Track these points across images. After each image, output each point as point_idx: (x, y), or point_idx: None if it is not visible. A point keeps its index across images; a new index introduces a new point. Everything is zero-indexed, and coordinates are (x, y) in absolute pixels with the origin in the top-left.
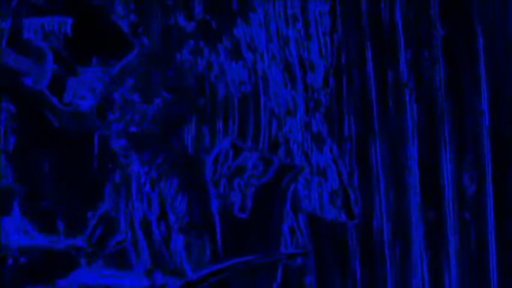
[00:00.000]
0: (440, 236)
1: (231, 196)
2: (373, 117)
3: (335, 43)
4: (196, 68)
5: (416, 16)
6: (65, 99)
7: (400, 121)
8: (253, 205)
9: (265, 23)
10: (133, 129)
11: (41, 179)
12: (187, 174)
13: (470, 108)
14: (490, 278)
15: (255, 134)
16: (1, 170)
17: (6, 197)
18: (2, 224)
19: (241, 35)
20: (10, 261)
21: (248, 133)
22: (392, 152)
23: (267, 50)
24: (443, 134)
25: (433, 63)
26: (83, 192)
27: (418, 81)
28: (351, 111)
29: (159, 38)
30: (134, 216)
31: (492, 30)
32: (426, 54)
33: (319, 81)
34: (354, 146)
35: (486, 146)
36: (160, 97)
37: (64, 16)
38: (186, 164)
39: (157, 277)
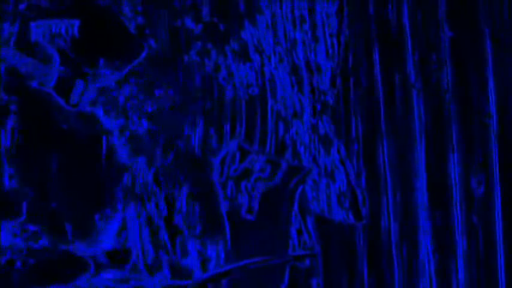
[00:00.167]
0: (448, 238)
1: (239, 198)
2: (381, 119)
3: (342, 44)
4: (204, 70)
5: (424, 18)
6: (72, 101)
7: (407, 123)
8: (261, 207)
9: (273, 24)
10: (141, 129)
11: (48, 181)
12: (197, 177)
13: (478, 111)
14: (498, 280)
15: (261, 136)
16: (8, 172)
17: (15, 199)
18: (10, 226)
19: (248, 37)
20: (19, 263)
21: (255, 135)
22: (399, 154)
23: (274, 52)
24: (451, 136)
25: (440, 65)
26: (90, 194)
27: (425, 83)
28: (358, 113)
29: (166, 39)
30: (141, 217)
31: (500, 32)
32: (434, 56)
33: (326, 82)
34: (361, 147)
35: (494, 148)
36: (168, 97)
37: (71, 18)
38: (195, 167)
39: (164, 278)
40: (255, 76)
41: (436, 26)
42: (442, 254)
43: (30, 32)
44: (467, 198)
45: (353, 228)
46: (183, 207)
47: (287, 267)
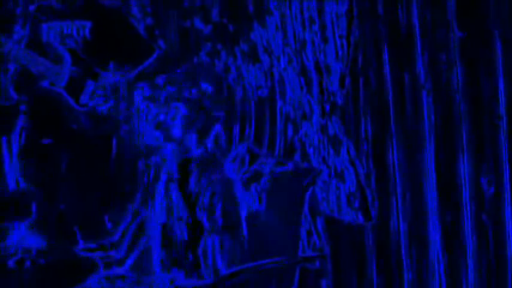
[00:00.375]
0: (457, 239)
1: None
2: (390, 119)
3: (352, 45)
4: (214, 71)
5: (434, 18)
6: (82, 101)
7: (417, 123)
8: (271, 208)
9: (282, 25)
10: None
11: (57, 182)
12: (219, 175)
13: (488, 111)
14: (508, 280)
15: (270, 138)
16: (18, 173)
17: (24, 200)
18: (20, 227)
19: (257, 38)
20: (28, 263)
21: (264, 137)
22: (409, 154)
23: (283, 52)
24: (461, 136)
25: (450, 65)
26: (100, 195)
27: (435, 84)
28: (367, 113)
29: (175, 40)
30: (158, 217)
31: (510, 32)
32: (443, 56)
33: (335, 83)
34: (370, 148)
35: (504, 149)
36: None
37: (82, 19)
38: (217, 165)
39: (178, 278)
40: (264, 77)
41: (445, 26)
42: (451, 254)
43: (42, 33)
44: (477, 198)
45: (362, 229)
46: (205, 204)
47: (297, 268)
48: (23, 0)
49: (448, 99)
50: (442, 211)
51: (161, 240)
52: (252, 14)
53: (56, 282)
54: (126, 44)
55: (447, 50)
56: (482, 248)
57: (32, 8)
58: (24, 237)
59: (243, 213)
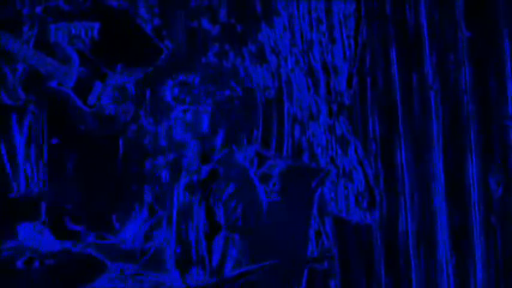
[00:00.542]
0: (466, 239)
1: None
2: (398, 120)
3: (359, 45)
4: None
5: (442, 18)
6: (90, 102)
7: (425, 123)
8: (280, 209)
9: (289, 26)
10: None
11: (66, 182)
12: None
13: (497, 111)
14: None
15: (278, 139)
16: (27, 173)
17: (34, 201)
18: (29, 227)
19: (265, 38)
20: (37, 264)
21: (271, 139)
22: (417, 154)
23: (290, 53)
24: (469, 137)
25: (458, 65)
26: (107, 195)
27: (443, 84)
28: (375, 113)
29: (183, 40)
30: (174, 216)
31: None
32: (451, 56)
33: (342, 83)
34: (378, 148)
35: None
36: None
37: (90, 21)
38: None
39: (190, 277)
40: (271, 78)
41: (454, 26)
42: (460, 255)
43: (50, 34)
44: (485, 199)
45: (370, 229)
46: (228, 206)
47: (305, 269)
48: (31, 1)
49: (456, 100)
50: (450, 211)
51: (176, 238)
52: (259, 14)
53: (65, 282)
54: (134, 44)
55: (455, 50)
56: (490, 249)
57: (39, 9)
58: (33, 237)
59: (263, 213)
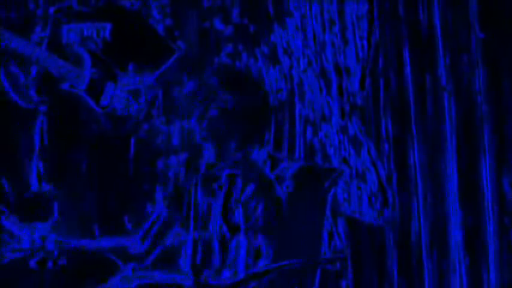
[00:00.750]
0: (479, 241)
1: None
2: (411, 121)
3: (372, 46)
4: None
5: (455, 19)
6: (102, 103)
7: (438, 124)
8: (293, 210)
9: (302, 27)
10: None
11: (78, 182)
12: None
13: (510, 112)
14: None
15: (290, 141)
16: (39, 174)
17: (46, 200)
18: (41, 227)
19: (277, 39)
20: (50, 263)
21: (284, 141)
22: (430, 155)
23: (303, 54)
24: (483, 138)
25: (472, 67)
26: (119, 195)
27: (456, 85)
28: (388, 114)
29: (195, 41)
30: (191, 217)
31: None
32: (465, 57)
33: (355, 84)
34: (391, 149)
35: None
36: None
37: (102, 21)
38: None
39: (205, 277)
40: (284, 80)
41: (467, 27)
42: (473, 256)
43: (62, 35)
44: (499, 200)
45: (383, 230)
46: (249, 207)
47: (318, 269)
48: (44, 2)
49: (469, 101)
50: (463, 212)
51: (193, 239)
52: (272, 14)
53: (78, 282)
54: (146, 45)
55: (469, 51)
56: (504, 249)
57: (52, 10)
58: (46, 237)
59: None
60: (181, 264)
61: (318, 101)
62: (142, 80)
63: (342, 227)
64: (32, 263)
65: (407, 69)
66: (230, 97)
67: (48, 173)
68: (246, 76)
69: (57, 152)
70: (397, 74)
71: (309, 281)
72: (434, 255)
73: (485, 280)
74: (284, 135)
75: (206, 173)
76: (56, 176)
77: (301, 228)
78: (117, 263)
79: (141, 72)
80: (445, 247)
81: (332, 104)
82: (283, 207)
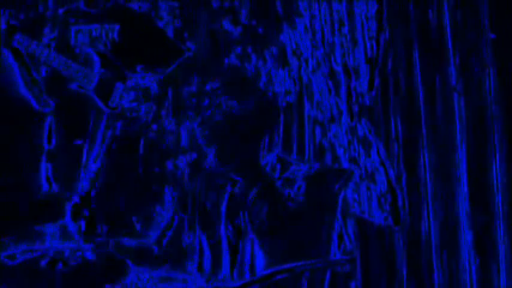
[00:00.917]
0: (489, 242)
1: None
2: (421, 121)
3: (381, 46)
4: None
5: (465, 19)
6: (112, 103)
7: (448, 125)
8: (304, 211)
9: (311, 27)
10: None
11: (89, 183)
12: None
13: None
14: None
15: (299, 143)
16: (50, 175)
17: (58, 202)
18: (53, 229)
19: (286, 39)
20: (60, 265)
21: (293, 143)
22: (440, 156)
23: (312, 55)
24: (493, 139)
25: (482, 67)
26: (128, 195)
27: (466, 86)
28: (397, 115)
29: (205, 42)
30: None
31: None
32: (475, 58)
33: (364, 85)
34: (401, 150)
35: None
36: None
37: (111, 22)
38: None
39: (216, 278)
40: (292, 82)
41: (477, 28)
42: (483, 257)
43: (71, 36)
44: (509, 201)
45: (393, 231)
46: (251, 206)
47: (328, 271)
48: (53, 3)
49: (480, 101)
50: (473, 213)
51: (199, 241)
52: (281, 15)
53: (89, 283)
54: (155, 46)
55: (479, 52)
56: None
57: (61, 11)
58: (57, 238)
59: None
60: (190, 266)
61: (326, 102)
62: (152, 79)
63: (352, 228)
64: (43, 264)
65: (417, 70)
66: (235, 102)
67: (57, 174)
68: (252, 81)
69: (66, 153)
70: (407, 75)
71: (319, 282)
72: (444, 256)
73: (496, 281)
74: (293, 137)
75: (211, 176)
76: (66, 177)
77: (311, 230)
78: (129, 264)
79: (150, 73)
80: (455, 248)
81: (340, 104)
82: (290, 210)
